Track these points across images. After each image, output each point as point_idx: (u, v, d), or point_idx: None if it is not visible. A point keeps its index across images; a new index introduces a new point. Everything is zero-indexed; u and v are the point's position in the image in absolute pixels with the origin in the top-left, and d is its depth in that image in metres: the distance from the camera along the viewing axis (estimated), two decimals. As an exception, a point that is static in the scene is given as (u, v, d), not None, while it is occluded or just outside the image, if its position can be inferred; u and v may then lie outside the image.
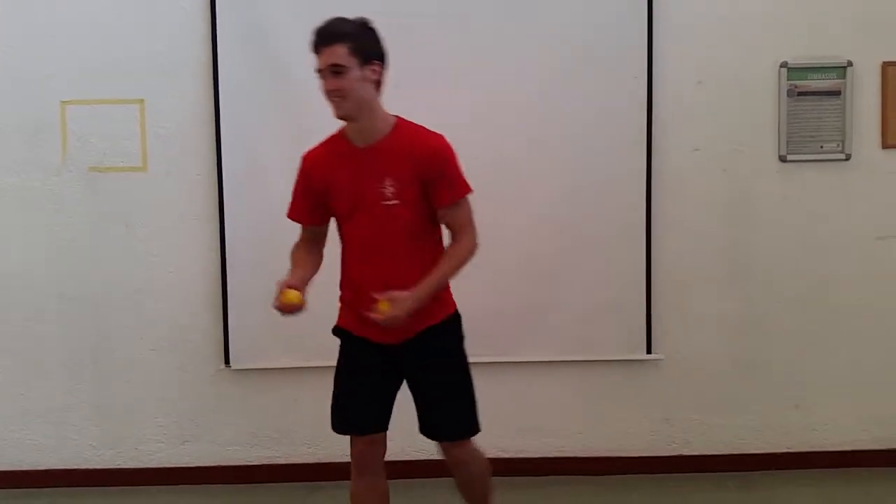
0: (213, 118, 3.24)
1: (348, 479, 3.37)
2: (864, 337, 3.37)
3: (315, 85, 3.13)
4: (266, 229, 3.26)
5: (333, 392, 2.37)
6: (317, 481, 3.35)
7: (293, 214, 2.40)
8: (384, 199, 2.22)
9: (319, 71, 2.22)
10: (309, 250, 2.40)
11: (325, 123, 3.17)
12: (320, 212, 2.37)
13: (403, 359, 2.32)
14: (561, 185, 2.92)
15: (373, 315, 2.15)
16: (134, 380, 3.37)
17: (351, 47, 2.18)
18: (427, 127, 2.32)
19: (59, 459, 3.40)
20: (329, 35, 2.18)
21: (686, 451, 3.41)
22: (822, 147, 3.30)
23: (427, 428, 2.36)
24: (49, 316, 3.35)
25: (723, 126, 3.30)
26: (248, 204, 3.26)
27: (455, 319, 2.37)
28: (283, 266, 3.22)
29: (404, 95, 3.14)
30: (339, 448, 3.37)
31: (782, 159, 3.30)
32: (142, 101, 3.27)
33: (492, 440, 3.01)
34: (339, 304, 2.41)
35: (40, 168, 3.29)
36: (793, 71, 3.27)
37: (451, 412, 2.33)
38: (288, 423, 3.40)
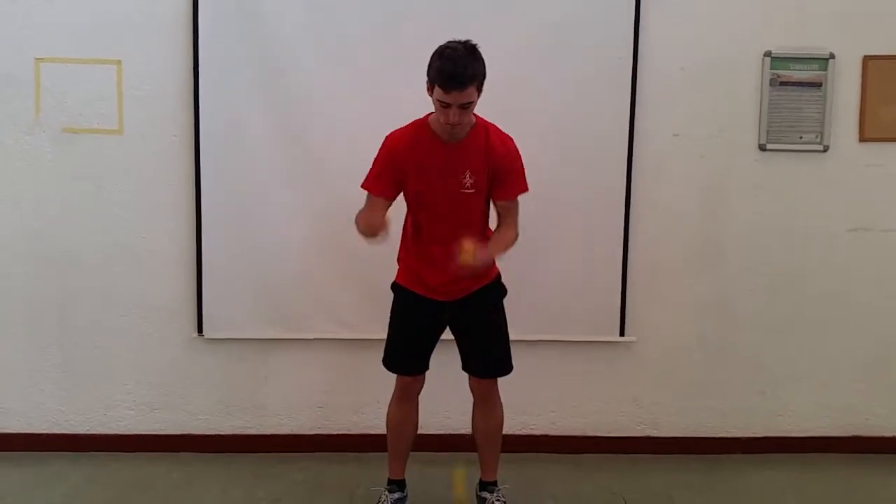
0: (192, 81, 3.18)
1: (318, 451, 3.41)
2: (831, 326, 3.43)
3: (296, 48, 3.13)
4: (243, 195, 3.23)
5: (389, 337, 2.74)
6: (287, 452, 3.35)
7: (375, 188, 2.58)
8: (463, 187, 2.56)
9: (446, 104, 2.42)
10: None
11: (303, 88, 3.15)
12: (396, 189, 2.62)
13: (458, 311, 2.68)
14: (541, 164, 2.91)
15: (459, 257, 2.42)
16: (103, 345, 3.33)
17: (478, 85, 2.45)
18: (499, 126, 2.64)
19: (26, 423, 3.36)
20: (465, 80, 2.38)
21: (653, 433, 3.46)
22: (801, 137, 3.33)
23: (474, 367, 2.74)
24: (17, 276, 3.29)
25: (704, 112, 3.31)
26: (224, 169, 3.22)
27: (499, 280, 2.75)
28: (259, 232, 3.22)
29: (386, 76, 3.14)
30: (309, 420, 3.41)
31: (762, 148, 3.33)
32: (119, 61, 3.20)
33: (465, 417, 3.05)
34: (398, 266, 2.74)
35: (12, 125, 3.21)
36: (776, 60, 3.28)
37: (496, 354, 2.73)
38: (259, 394, 3.39)
